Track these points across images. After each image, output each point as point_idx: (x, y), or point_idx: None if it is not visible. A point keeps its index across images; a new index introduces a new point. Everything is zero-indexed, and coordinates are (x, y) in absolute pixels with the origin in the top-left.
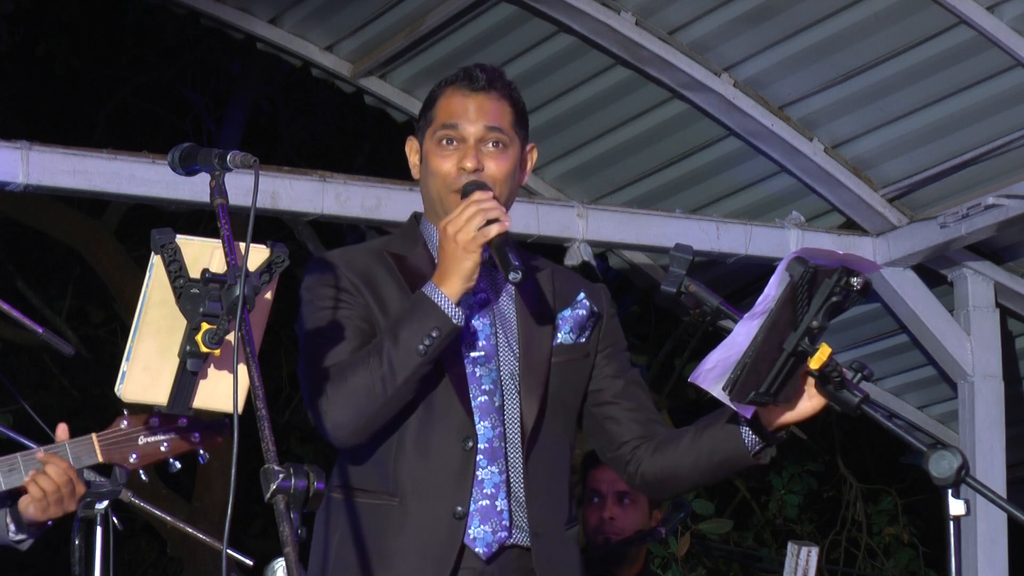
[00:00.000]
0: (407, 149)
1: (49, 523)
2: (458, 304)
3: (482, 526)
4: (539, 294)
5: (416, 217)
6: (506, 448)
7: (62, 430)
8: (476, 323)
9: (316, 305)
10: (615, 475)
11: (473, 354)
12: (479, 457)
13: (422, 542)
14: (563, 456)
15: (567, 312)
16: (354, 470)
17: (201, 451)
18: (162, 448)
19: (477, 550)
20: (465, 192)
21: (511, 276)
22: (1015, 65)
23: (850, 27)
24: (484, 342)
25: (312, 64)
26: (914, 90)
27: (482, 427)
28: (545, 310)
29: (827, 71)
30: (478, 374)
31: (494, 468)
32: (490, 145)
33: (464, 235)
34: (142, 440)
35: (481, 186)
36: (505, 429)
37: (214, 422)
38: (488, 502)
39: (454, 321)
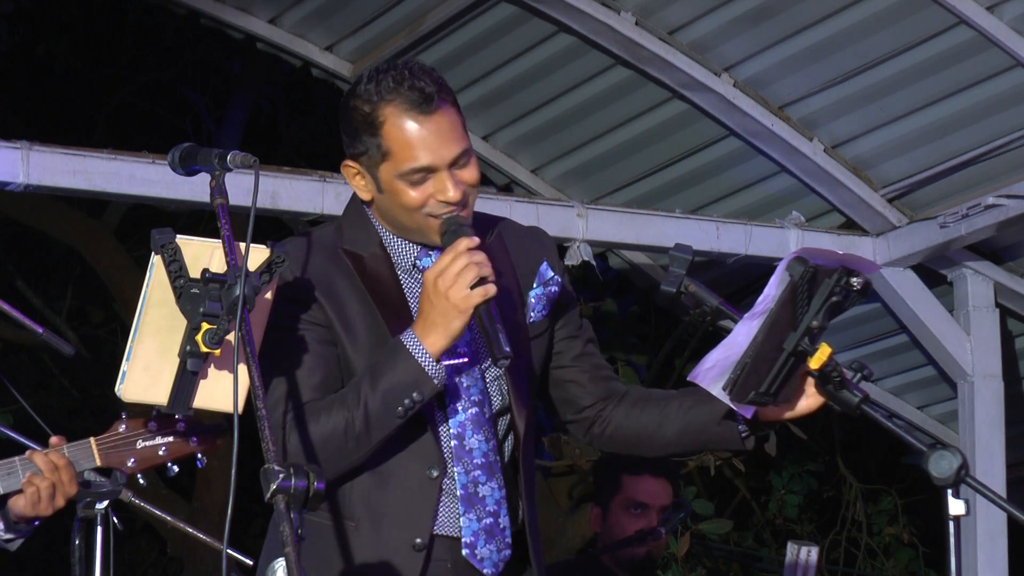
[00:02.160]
0: (346, 173)
1: (37, 522)
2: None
3: (487, 546)
4: (501, 275)
5: (360, 204)
6: (501, 461)
7: (57, 439)
8: None
9: (273, 321)
10: (659, 488)
11: (455, 361)
12: (477, 473)
13: (380, 571)
14: (532, 441)
15: (539, 291)
16: None
17: (199, 455)
18: (160, 452)
19: (486, 572)
20: (447, 231)
21: (500, 363)
22: (1015, 65)
23: (850, 27)
24: (464, 348)
25: (312, 64)
26: (914, 90)
27: (476, 441)
28: (511, 293)
29: (827, 71)
30: (465, 384)
31: (493, 484)
32: (461, 162)
33: (456, 292)
34: (140, 444)
35: (463, 227)
36: (498, 441)
37: (212, 425)
38: (492, 520)
39: (436, 383)
